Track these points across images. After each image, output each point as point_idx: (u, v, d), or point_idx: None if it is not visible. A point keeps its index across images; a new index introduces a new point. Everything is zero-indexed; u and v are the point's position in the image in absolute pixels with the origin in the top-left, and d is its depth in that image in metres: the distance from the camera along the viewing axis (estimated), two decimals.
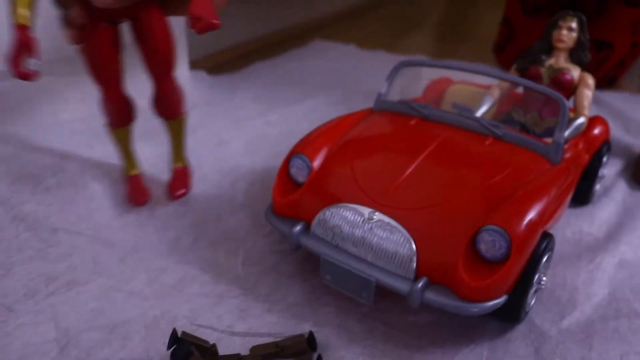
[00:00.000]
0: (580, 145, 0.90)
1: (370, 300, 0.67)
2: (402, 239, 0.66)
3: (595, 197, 1.02)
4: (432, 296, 0.64)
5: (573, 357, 0.67)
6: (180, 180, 0.98)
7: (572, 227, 0.93)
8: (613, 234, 0.92)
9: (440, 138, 0.80)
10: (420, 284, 0.64)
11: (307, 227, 0.74)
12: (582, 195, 0.98)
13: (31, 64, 0.70)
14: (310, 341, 0.65)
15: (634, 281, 0.81)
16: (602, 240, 0.90)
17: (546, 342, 0.69)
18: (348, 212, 0.70)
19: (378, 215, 0.68)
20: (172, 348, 0.61)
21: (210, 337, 0.66)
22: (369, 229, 0.68)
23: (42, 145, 1.09)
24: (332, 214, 0.71)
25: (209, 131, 1.24)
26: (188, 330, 0.66)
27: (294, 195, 0.77)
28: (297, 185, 0.80)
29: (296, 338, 0.66)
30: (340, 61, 1.84)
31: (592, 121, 0.96)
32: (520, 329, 0.71)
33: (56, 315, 0.70)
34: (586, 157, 0.91)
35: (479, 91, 1.02)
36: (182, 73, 1.62)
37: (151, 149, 1.07)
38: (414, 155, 0.76)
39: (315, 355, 0.63)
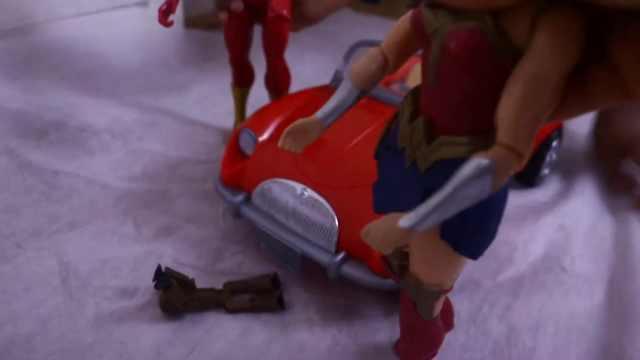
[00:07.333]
0: None
1: (297, 269, 0.75)
2: (327, 215, 0.72)
3: (542, 181, 1.06)
4: (349, 270, 0.70)
5: (500, 304, 0.77)
6: None
7: (524, 194, 1.03)
8: (559, 200, 1.01)
9: (381, 119, 0.84)
10: (338, 258, 0.70)
11: (248, 198, 0.81)
12: (529, 178, 1.04)
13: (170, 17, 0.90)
14: (274, 280, 0.76)
15: (567, 243, 0.90)
16: (549, 204, 1.00)
17: (479, 290, 0.79)
18: (283, 187, 0.76)
19: (309, 192, 0.74)
20: (156, 280, 0.72)
21: (190, 273, 0.77)
22: (299, 204, 0.74)
23: (47, 102, 1.17)
24: (269, 187, 0.77)
25: (201, 88, 1.31)
26: (171, 267, 0.77)
27: (239, 166, 0.84)
28: (246, 157, 0.86)
29: (263, 277, 0.76)
30: (333, 23, 1.87)
31: None
32: (458, 280, 0.80)
33: (58, 251, 0.80)
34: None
35: None
36: (177, 31, 1.68)
37: None
38: (353, 134, 0.81)
39: (277, 293, 0.74)
